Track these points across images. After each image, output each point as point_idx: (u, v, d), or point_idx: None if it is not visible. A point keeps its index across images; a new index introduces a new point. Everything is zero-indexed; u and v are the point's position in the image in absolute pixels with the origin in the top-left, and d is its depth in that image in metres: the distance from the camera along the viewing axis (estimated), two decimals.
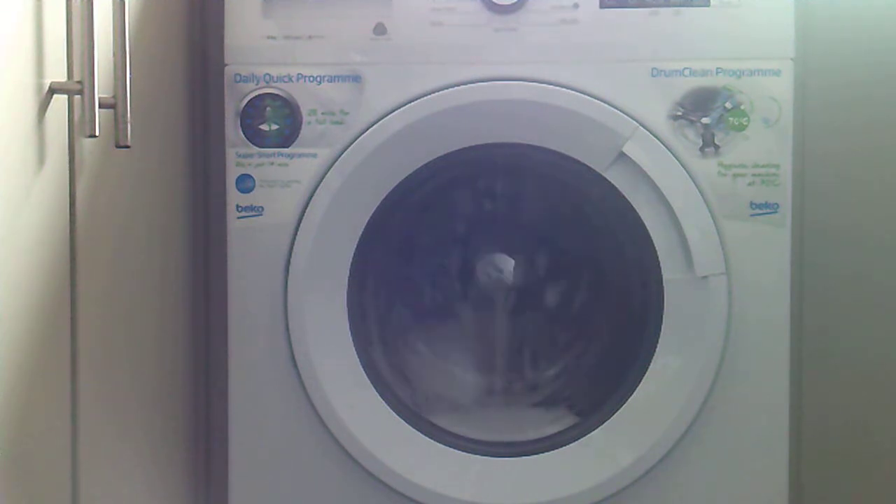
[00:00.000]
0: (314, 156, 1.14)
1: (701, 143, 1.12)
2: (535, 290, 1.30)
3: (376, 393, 1.16)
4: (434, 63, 1.13)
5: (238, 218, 1.14)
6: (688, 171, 1.11)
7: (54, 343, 0.83)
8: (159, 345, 1.11)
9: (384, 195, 1.14)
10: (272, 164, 1.14)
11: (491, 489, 1.15)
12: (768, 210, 1.12)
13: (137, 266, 1.03)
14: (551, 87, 1.12)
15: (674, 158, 1.11)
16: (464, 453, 1.16)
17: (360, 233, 1.14)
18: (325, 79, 1.14)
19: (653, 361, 1.13)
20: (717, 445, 1.13)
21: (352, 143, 1.13)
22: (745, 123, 1.12)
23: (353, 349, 1.15)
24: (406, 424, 1.16)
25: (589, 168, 1.12)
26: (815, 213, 1.25)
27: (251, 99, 1.14)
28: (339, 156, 1.13)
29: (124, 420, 1.00)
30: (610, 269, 1.27)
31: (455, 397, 1.27)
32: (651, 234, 1.12)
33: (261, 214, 1.14)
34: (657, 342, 1.13)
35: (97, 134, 0.82)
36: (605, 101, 1.12)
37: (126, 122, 0.85)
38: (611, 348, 1.26)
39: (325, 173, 1.13)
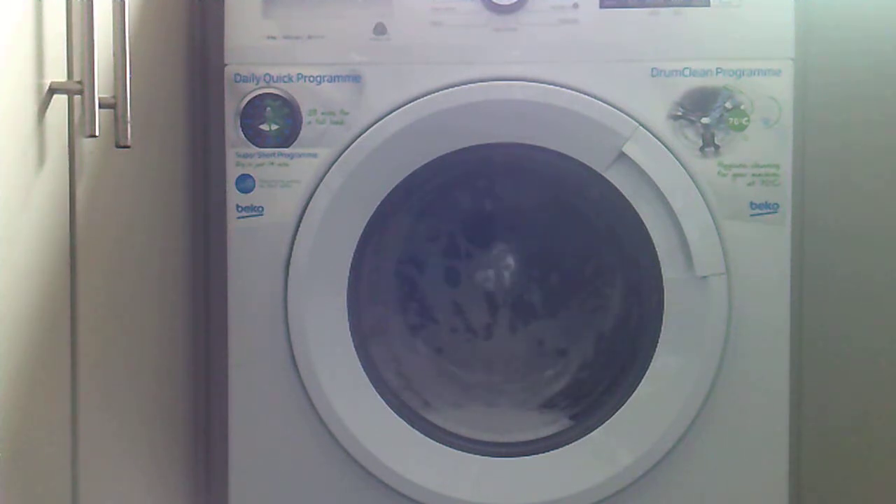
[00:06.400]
0: (314, 156, 1.14)
1: (701, 143, 1.12)
2: (535, 289, 1.30)
3: (376, 393, 1.16)
4: (434, 63, 1.13)
5: (238, 218, 1.14)
6: (688, 171, 1.11)
7: (54, 343, 0.83)
8: (159, 345, 1.11)
9: (384, 195, 1.14)
10: (272, 164, 1.14)
11: (490, 489, 1.15)
12: (768, 210, 1.12)
13: (137, 266, 1.03)
14: (551, 86, 1.12)
15: (674, 158, 1.11)
16: (463, 453, 1.16)
17: (361, 233, 1.14)
18: (325, 79, 1.14)
19: (653, 361, 1.13)
20: (717, 445, 1.13)
21: (352, 143, 1.13)
22: (745, 123, 1.12)
23: (353, 349, 1.15)
24: (406, 424, 1.16)
25: (589, 168, 1.12)
26: (815, 213, 1.25)
27: (251, 99, 1.14)
28: (339, 156, 1.13)
29: (124, 420, 1.00)
30: (610, 269, 1.27)
31: (455, 397, 1.27)
32: (651, 234, 1.12)
33: (261, 214, 1.14)
34: (657, 342, 1.13)
35: (97, 134, 0.82)
36: (605, 101, 1.12)
37: (126, 122, 0.85)
38: (611, 348, 1.27)
39: (325, 173, 1.13)
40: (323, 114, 1.14)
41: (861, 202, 1.25)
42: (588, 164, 1.12)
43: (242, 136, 1.14)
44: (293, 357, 1.14)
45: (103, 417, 0.93)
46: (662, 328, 1.13)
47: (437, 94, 1.12)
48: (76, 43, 0.83)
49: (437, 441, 1.16)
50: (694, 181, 1.11)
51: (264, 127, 1.14)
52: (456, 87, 1.12)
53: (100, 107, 0.82)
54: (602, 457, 1.14)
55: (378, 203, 1.14)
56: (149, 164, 1.06)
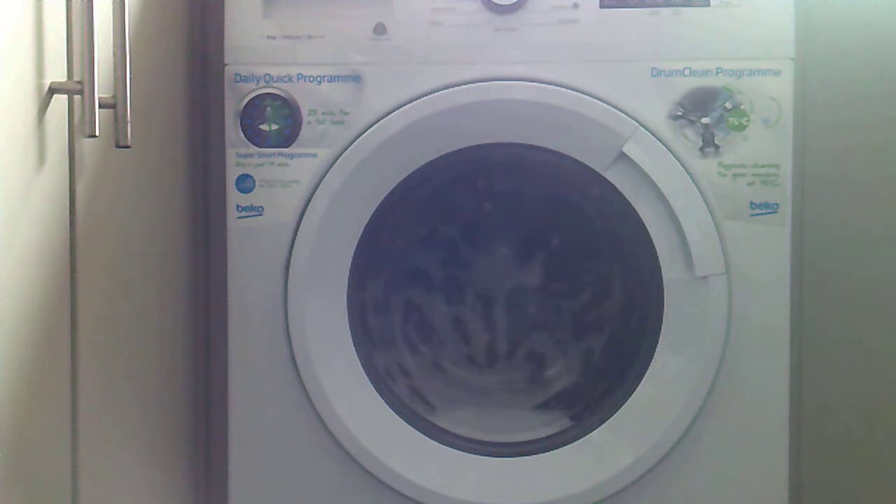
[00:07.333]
0: (314, 156, 1.14)
1: (701, 143, 1.12)
2: (535, 290, 1.30)
3: (376, 393, 1.16)
4: (434, 63, 1.13)
5: (238, 218, 1.14)
6: (688, 171, 1.11)
7: (54, 343, 0.83)
8: (159, 345, 1.11)
9: (384, 195, 1.14)
10: (272, 164, 1.14)
11: (491, 489, 1.15)
12: (768, 210, 1.12)
13: (137, 266, 1.03)
14: (551, 87, 1.12)
15: (674, 158, 1.11)
16: (464, 453, 1.16)
17: (360, 233, 1.14)
18: (325, 79, 1.14)
19: (653, 361, 1.13)
20: (717, 445, 1.13)
21: (352, 143, 1.13)
22: (745, 123, 1.12)
23: (353, 349, 1.15)
24: (406, 424, 1.16)
25: (589, 168, 1.12)
26: (815, 212, 1.25)
27: (251, 99, 1.14)
28: (339, 156, 1.13)
29: (124, 420, 1.00)
30: (610, 269, 1.27)
31: (455, 397, 1.27)
32: (651, 234, 1.12)
33: (261, 214, 1.14)
34: (657, 342, 1.13)
35: (97, 134, 0.82)
36: (605, 101, 1.12)
37: (126, 122, 0.85)
38: (610, 348, 1.27)
39: (325, 173, 1.13)
40: (323, 114, 1.14)
41: (861, 202, 1.25)
42: (588, 164, 1.12)
43: (242, 136, 1.14)
44: (293, 357, 1.14)
45: (103, 417, 0.93)
46: (662, 328, 1.13)
47: (437, 94, 1.12)
48: (76, 43, 0.83)
49: (437, 441, 1.16)
50: (694, 181, 1.11)
51: (264, 127, 1.14)
52: (456, 87, 1.12)
53: (100, 107, 0.82)
54: (602, 457, 1.14)
55: (378, 203, 1.14)
56: (149, 164, 1.06)
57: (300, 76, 1.14)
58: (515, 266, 1.30)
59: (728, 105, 1.12)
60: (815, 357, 1.26)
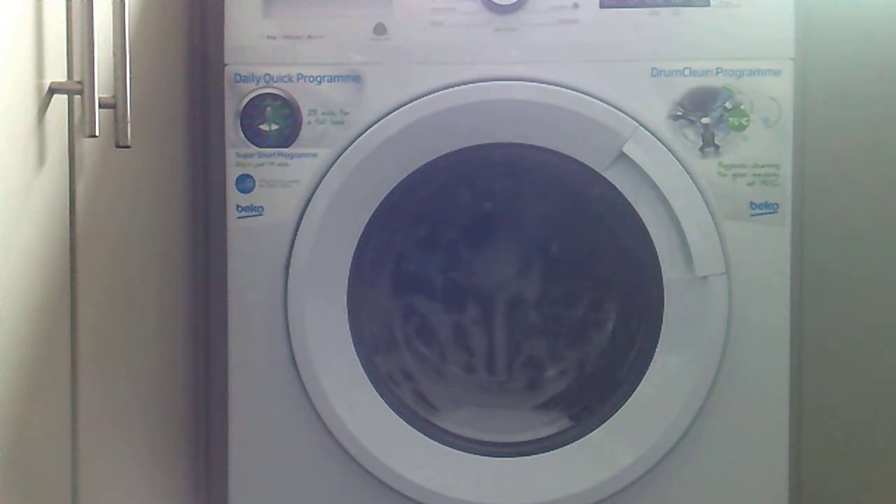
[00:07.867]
0: (314, 156, 1.14)
1: (701, 143, 1.12)
2: (535, 290, 1.30)
3: (376, 393, 1.16)
4: (434, 63, 1.13)
5: (238, 218, 1.14)
6: (688, 171, 1.11)
7: (54, 343, 0.83)
8: (159, 345, 1.11)
9: (384, 195, 1.14)
10: (272, 164, 1.14)
11: (491, 489, 1.15)
12: (768, 210, 1.12)
13: (137, 266, 1.03)
14: (551, 87, 1.12)
15: (674, 158, 1.11)
16: (464, 453, 1.16)
17: (360, 233, 1.14)
18: (325, 79, 1.14)
19: (653, 361, 1.13)
20: (717, 445, 1.13)
21: (352, 143, 1.13)
22: (745, 123, 1.12)
23: (353, 349, 1.15)
24: (406, 424, 1.16)
25: (589, 168, 1.12)
26: (815, 212, 1.25)
27: (251, 99, 1.14)
28: (339, 156, 1.13)
29: (124, 420, 1.00)
30: (610, 270, 1.27)
31: (455, 397, 1.27)
32: (651, 234, 1.12)
33: (261, 214, 1.14)
34: (657, 342, 1.13)
35: (97, 134, 0.82)
36: (605, 101, 1.12)
37: (126, 122, 0.85)
38: (611, 348, 1.27)
39: (325, 173, 1.13)
40: (323, 114, 1.14)
41: (861, 202, 1.25)
42: (588, 164, 1.12)
43: (242, 136, 1.14)
44: (293, 357, 1.14)
45: (103, 417, 0.93)
46: (662, 328, 1.13)
47: (437, 94, 1.12)
48: (76, 43, 0.83)
49: (437, 441, 1.16)
50: (694, 181, 1.11)
51: (264, 127, 1.14)
52: (456, 87, 1.12)
53: (100, 107, 0.82)
54: (602, 457, 1.14)
55: (378, 203, 1.14)
56: (149, 164, 1.06)
57: (300, 76, 1.14)
58: (515, 265, 1.30)
59: (728, 105, 1.12)
60: (815, 357, 1.26)
